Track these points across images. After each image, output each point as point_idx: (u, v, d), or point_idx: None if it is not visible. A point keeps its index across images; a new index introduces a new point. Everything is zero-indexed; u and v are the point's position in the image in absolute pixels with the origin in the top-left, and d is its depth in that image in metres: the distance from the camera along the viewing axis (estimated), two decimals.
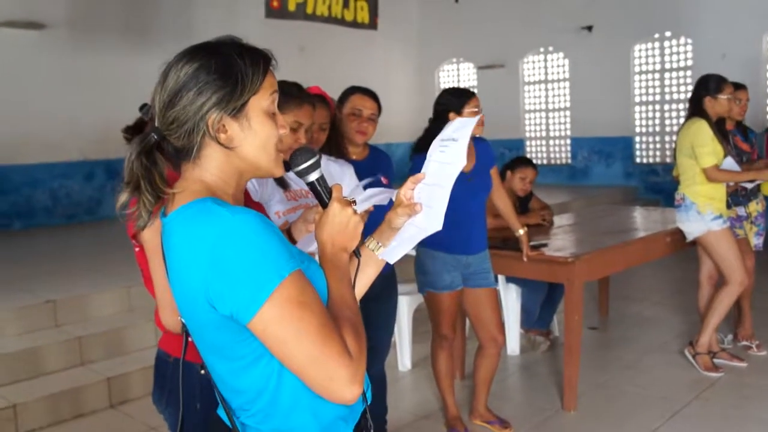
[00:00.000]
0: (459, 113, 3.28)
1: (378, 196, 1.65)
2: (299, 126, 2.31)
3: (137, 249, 1.86)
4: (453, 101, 3.34)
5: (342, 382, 1.14)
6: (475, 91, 12.42)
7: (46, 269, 5.70)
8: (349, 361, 1.15)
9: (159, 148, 1.26)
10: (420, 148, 3.34)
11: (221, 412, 1.34)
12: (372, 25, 9.24)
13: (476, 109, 3.31)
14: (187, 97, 1.22)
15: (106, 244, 6.94)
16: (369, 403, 1.40)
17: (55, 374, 4.15)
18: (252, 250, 1.13)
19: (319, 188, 1.37)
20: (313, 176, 1.36)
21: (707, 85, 4.22)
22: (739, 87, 4.62)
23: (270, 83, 1.27)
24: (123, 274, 5.17)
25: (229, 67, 1.22)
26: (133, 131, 1.91)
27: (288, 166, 1.36)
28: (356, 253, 1.41)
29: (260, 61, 1.26)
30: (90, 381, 4.06)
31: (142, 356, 4.39)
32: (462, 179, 3.32)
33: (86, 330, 4.44)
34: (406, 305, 4.43)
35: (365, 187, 1.61)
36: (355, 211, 1.33)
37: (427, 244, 3.38)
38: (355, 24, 9.01)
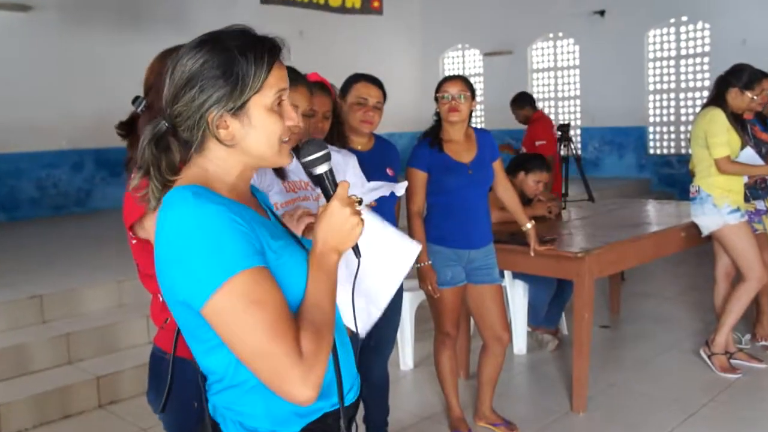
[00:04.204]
0: (437, 101, 3.40)
1: (380, 189, 1.66)
2: (295, 108, 2.30)
3: (134, 241, 1.85)
4: (436, 90, 3.43)
5: (291, 382, 1.20)
6: (482, 78, 12.48)
7: (32, 263, 5.70)
8: (297, 361, 1.21)
9: (175, 135, 1.34)
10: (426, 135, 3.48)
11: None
12: (366, 9, 9.14)
13: (443, 94, 3.36)
14: (189, 95, 1.29)
15: (96, 237, 6.95)
16: (347, 404, 1.43)
17: (42, 373, 4.15)
18: (207, 241, 1.20)
19: (326, 182, 1.40)
20: (320, 169, 1.39)
21: (740, 76, 4.19)
22: (765, 76, 4.60)
23: (276, 79, 1.32)
24: (114, 268, 5.17)
25: (231, 66, 1.28)
26: (127, 127, 1.91)
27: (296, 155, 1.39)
28: (356, 252, 1.42)
29: (264, 57, 1.30)
30: (78, 380, 4.06)
31: (134, 354, 4.39)
32: (461, 171, 3.37)
33: (75, 326, 4.44)
34: (408, 302, 4.43)
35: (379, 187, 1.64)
36: (357, 212, 1.35)
37: (428, 238, 3.40)
38: (343, 9, 8.91)
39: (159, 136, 1.32)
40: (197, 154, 1.34)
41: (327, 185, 1.40)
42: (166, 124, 1.33)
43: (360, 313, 1.53)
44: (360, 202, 1.37)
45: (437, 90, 3.40)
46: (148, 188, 1.33)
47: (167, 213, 1.25)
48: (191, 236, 1.20)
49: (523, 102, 6.84)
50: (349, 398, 1.45)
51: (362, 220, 1.36)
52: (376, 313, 1.61)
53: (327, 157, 1.40)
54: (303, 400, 1.22)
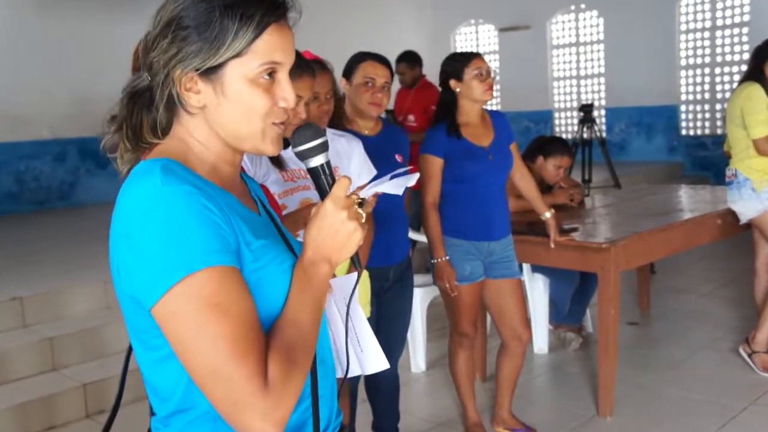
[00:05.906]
0: (460, 79, 3.35)
1: (389, 183, 1.50)
2: (299, 99, 2.31)
3: None
4: (453, 66, 3.39)
5: (249, 415, 1.07)
6: (497, 56, 12.42)
7: (11, 262, 5.72)
8: (261, 390, 1.07)
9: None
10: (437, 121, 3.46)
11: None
12: None
13: (478, 71, 3.33)
14: (161, 46, 1.19)
15: (81, 234, 6.96)
16: None
17: (24, 381, 4.17)
18: (167, 228, 1.08)
19: (321, 176, 1.28)
20: (315, 161, 1.27)
21: None
22: None
23: (268, 46, 1.19)
24: (100, 267, 5.17)
25: (209, 19, 1.16)
26: None
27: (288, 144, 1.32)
28: (355, 263, 1.31)
29: (255, 15, 1.17)
30: (63, 388, 4.08)
31: (123, 359, 4.40)
32: (481, 156, 3.37)
33: (58, 330, 4.46)
34: (420, 299, 4.44)
35: (391, 177, 1.49)
36: (357, 215, 1.21)
37: (444, 230, 3.40)
38: None
39: (139, 90, 1.23)
40: (176, 122, 1.24)
41: (322, 181, 1.27)
42: (149, 78, 1.22)
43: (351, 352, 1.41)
44: (361, 204, 1.23)
45: (466, 66, 3.36)
46: (118, 151, 1.26)
47: (129, 188, 1.14)
48: (150, 220, 1.09)
49: (414, 61, 6.90)
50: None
51: (363, 225, 1.22)
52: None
53: (324, 147, 1.27)
54: None
